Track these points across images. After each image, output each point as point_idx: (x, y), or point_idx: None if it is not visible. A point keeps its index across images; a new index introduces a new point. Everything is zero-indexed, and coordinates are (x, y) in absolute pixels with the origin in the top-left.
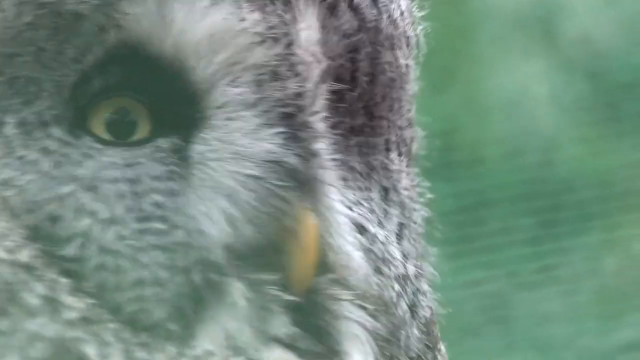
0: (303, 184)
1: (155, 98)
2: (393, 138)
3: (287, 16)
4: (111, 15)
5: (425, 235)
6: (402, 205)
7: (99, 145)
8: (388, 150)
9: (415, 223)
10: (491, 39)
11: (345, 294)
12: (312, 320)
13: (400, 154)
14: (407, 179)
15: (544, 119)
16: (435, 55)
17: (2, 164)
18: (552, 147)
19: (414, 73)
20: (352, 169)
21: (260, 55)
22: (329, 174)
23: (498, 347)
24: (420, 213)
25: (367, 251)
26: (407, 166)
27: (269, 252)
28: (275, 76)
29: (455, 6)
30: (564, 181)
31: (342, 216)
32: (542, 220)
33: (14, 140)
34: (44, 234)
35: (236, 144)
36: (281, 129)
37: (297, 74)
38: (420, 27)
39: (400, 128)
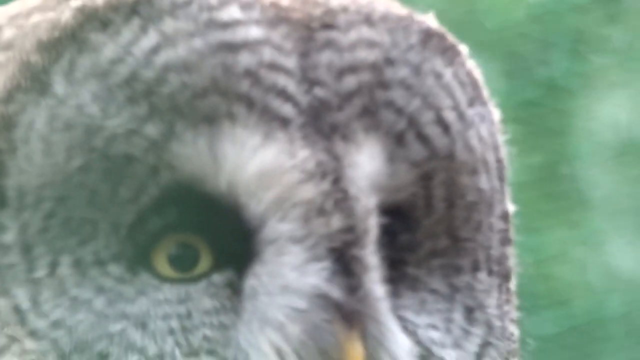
0: (349, 316)
1: (212, 234)
2: (482, 258)
3: (341, 150)
4: (162, 156)
5: (519, 352)
6: (488, 324)
7: (155, 282)
8: (475, 270)
9: (504, 341)
10: (593, 165)
11: None
12: None
13: (490, 273)
14: (497, 297)
15: None
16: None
17: (54, 305)
18: None
19: (503, 193)
20: (433, 291)
21: (308, 191)
22: (382, 305)
23: None
24: (511, 330)
25: None
26: (499, 284)
27: None
28: (322, 212)
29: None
30: None
31: (398, 343)
32: None
33: (68, 280)
34: None
35: (285, 278)
36: (327, 264)
37: (342, 210)
38: (504, 151)
39: (490, 248)
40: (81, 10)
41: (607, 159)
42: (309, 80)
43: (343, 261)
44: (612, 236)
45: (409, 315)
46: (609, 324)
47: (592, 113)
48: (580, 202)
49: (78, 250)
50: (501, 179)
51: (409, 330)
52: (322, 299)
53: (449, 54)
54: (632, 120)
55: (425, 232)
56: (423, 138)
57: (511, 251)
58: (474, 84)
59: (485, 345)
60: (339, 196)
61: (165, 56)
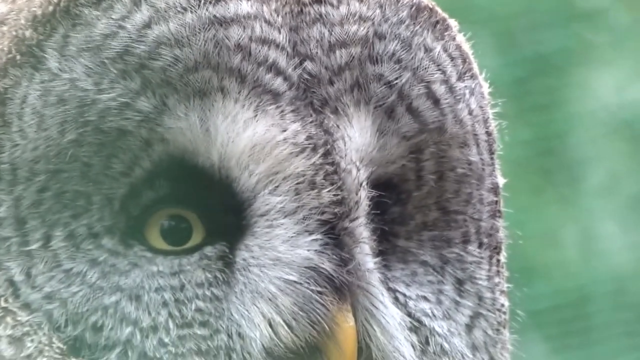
0: (340, 288)
1: (204, 207)
2: (472, 230)
3: (331, 124)
4: (155, 130)
5: (508, 322)
6: (478, 295)
7: (149, 254)
8: (466, 242)
9: (495, 312)
10: (583, 143)
11: None
12: None
13: (480, 245)
14: (488, 269)
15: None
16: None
17: (47, 277)
18: None
19: (493, 166)
20: (423, 263)
21: (299, 164)
22: (373, 277)
23: None
24: (501, 301)
25: (421, 346)
26: (489, 256)
27: (308, 354)
28: (313, 185)
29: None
30: None
31: (389, 315)
32: None
33: (61, 253)
34: (86, 344)
35: (276, 250)
36: (318, 236)
37: (333, 183)
38: (494, 124)
39: (480, 220)
40: None
41: (599, 136)
42: (299, 55)
43: (334, 234)
44: (603, 212)
45: (400, 287)
46: (599, 300)
47: (584, 90)
48: (571, 179)
49: (71, 223)
50: (491, 151)
51: (400, 301)
52: (313, 271)
53: (439, 28)
54: (624, 97)
55: (416, 205)
56: (413, 111)
57: (501, 223)
58: (464, 58)
59: (475, 316)
60: (330, 169)
61: (158, 31)
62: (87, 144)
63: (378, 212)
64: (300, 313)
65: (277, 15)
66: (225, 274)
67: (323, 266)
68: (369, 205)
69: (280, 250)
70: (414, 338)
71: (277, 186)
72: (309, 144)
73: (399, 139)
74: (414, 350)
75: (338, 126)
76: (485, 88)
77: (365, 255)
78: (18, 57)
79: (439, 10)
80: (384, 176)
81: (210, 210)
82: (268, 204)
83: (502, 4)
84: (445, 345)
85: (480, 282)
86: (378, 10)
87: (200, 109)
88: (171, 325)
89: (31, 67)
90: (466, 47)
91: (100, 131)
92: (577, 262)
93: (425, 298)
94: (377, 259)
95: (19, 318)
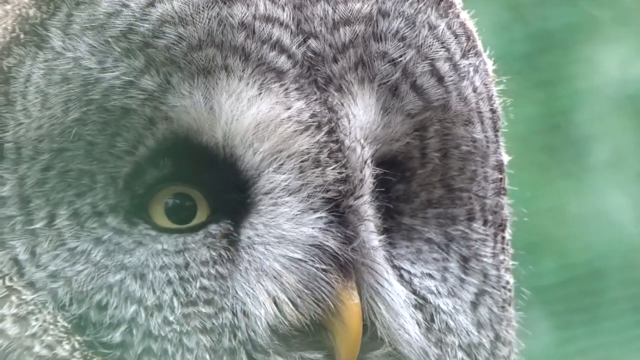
0: (344, 266)
1: (209, 185)
2: (477, 208)
3: (336, 101)
4: (159, 108)
5: (514, 300)
6: (483, 273)
7: (153, 232)
8: (471, 219)
9: (500, 289)
10: (589, 119)
11: None
12: None
13: (485, 223)
14: (493, 246)
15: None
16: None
17: (52, 256)
18: None
19: (497, 143)
20: (428, 240)
21: (304, 142)
22: (378, 254)
23: None
24: (506, 278)
25: (426, 323)
26: (494, 233)
27: (313, 332)
28: (317, 163)
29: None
30: None
31: (394, 292)
32: None
33: (66, 231)
34: (90, 323)
35: (281, 228)
36: (323, 214)
37: (337, 160)
38: (498, 101)
39: (485, 197)
40: None
41: (604, 112)
42: (303, 32)
43: (338, 211)
44: (608, 188)
45: (405, 264)
46: (607, 276)
47: (589, 66)
48: (576, 155)
49: (76, 202)
50: (495, 129)
51: (405, 279)
52: (318, 249)
53: (443, 5)
54: (629, 73)
55: (421, 183)
56: (417, 89)
57: (506, 201)
58: (468, 35)
59: (480, 293)
60: (334, 147)
61: (162, 9)
62: (91, 123)
63: (383, 189)
64: (305, 291)
65: None
66: (230, 252)
67: (328, 244)
68: (374, 183)
69: (284, 228)
70: (419, 315)
71: (282, 164)
72: (313, 121)
73: (403, 117)
74: (419, 327)
75: (342, 104)
76: (490, 65)
77: (370, 233)
78: (22, 35)
79: None
80: (388, 154)
81: (214, 188)
82: (272, 182)
83: None
84: (451, 322)
85: (485, 259)
86: None
87: (205, 87)
88: (176, 303)
89: (35, 45)
90: (470, 24)
91: (104, 110)
92: (583, 239)
93: (430, 275)
94: (381, 237)
95: (23, 297)
